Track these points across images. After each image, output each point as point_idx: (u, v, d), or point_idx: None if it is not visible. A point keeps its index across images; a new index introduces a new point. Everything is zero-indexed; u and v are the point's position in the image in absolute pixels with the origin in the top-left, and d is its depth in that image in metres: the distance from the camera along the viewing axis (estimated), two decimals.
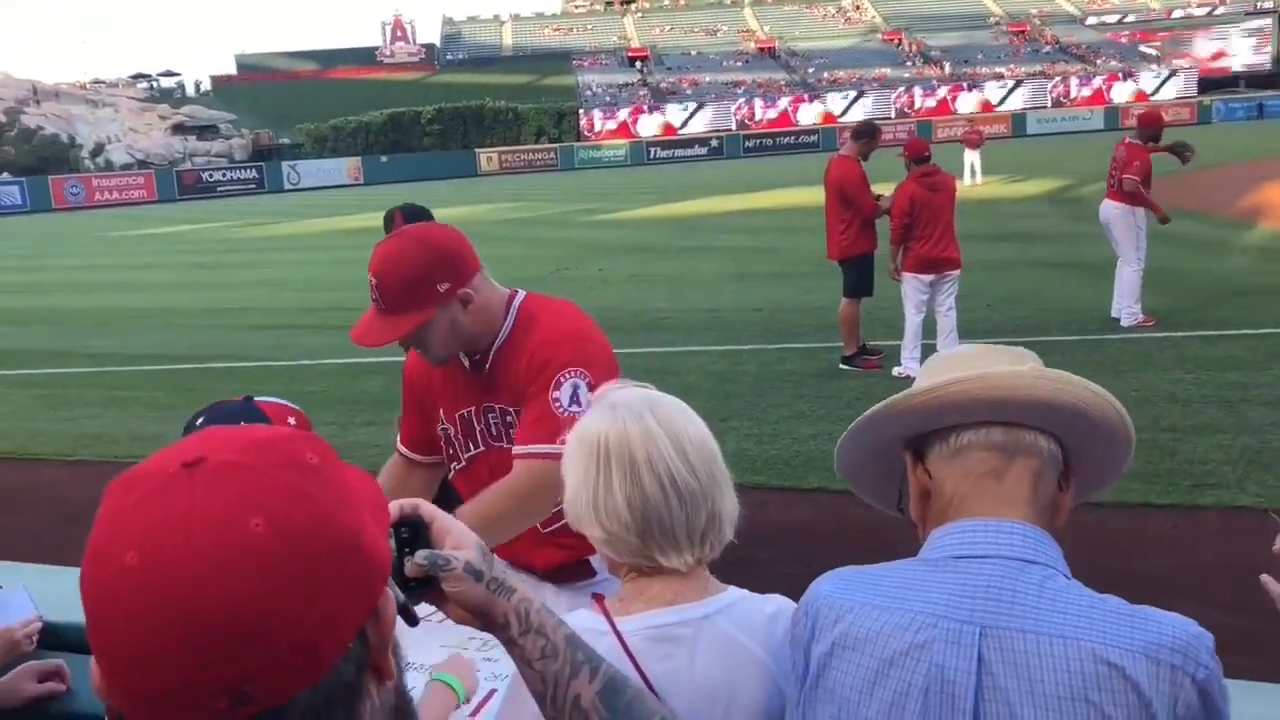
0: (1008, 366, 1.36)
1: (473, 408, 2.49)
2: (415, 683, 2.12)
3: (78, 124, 62.67)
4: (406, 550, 1.22)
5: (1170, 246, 14.38)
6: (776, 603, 1.55)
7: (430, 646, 2.18)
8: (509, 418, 2.45)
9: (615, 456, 1.45)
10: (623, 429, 1.47)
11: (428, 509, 1.26)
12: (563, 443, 2.26)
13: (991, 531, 1.29)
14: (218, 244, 25.55)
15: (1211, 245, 14.49)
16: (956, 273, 8.37)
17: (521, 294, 2.53)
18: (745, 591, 1.55)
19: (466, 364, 2.50)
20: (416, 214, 4.98)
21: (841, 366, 8.73)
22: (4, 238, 32.23)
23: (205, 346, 11.60)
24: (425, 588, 1.22)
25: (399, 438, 2.75)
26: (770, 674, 1.47)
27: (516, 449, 2.35)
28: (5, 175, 52.16)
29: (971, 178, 25.92)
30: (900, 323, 8.50)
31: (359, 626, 0.76)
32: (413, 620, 1.04)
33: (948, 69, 73.38)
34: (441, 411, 2.56)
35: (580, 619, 1.48)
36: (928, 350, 8.27)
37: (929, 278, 8.32)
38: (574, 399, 2.31)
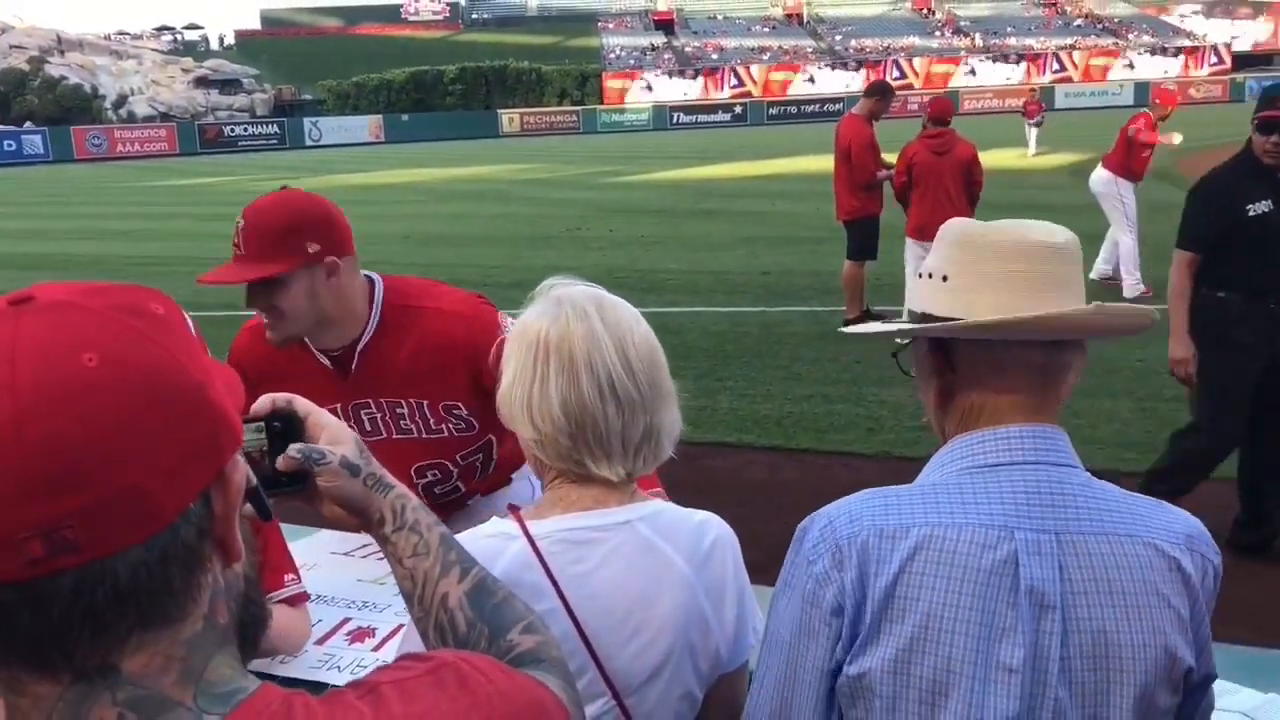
0: (1054, 292, 1.29)
1: (338, 405, 2.31)
2: (323, 616, 2.05)
3: (101, 75, 62.75)
4: (279, 444, 1.18)
5: None
6: (704, 515, 1.49)
7: (347, 580, 2.10)
8: (399, 409, 2.35)
9: (555, 354, 1.38)
10: (565, 326, 1.39)
11: (302, 403, 1.22)
12: None
13: (1029, 438, 1.29)
14: (235, 196, 25.49)
15: None
16: None
17: (379, 280, 2.38)
18: (672, 504, 1.49)
19: (326, 361, 2.34)
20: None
21: (843, 330, 8.59)
22: (25, 186, 32.34)
23: (209, 295, 11.49)
24: (298, 484, 1.18)
25: None
26: (690, 584, 1.41)
27: None
28: (28, 124, 52.35)
29: (1031, 147, 25.49)
30: (904, 289, 8.35)
31: (203, 486, 0.70)
32: (266, 513, 0.97)
33: (978, 40, 72.39)
34: None
35: (491, 525, 1.42)
36: None
37: (927, 244, 8.07)
38: None
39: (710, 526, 1.47)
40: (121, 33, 79.66)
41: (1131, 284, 9.45)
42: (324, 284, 2.21)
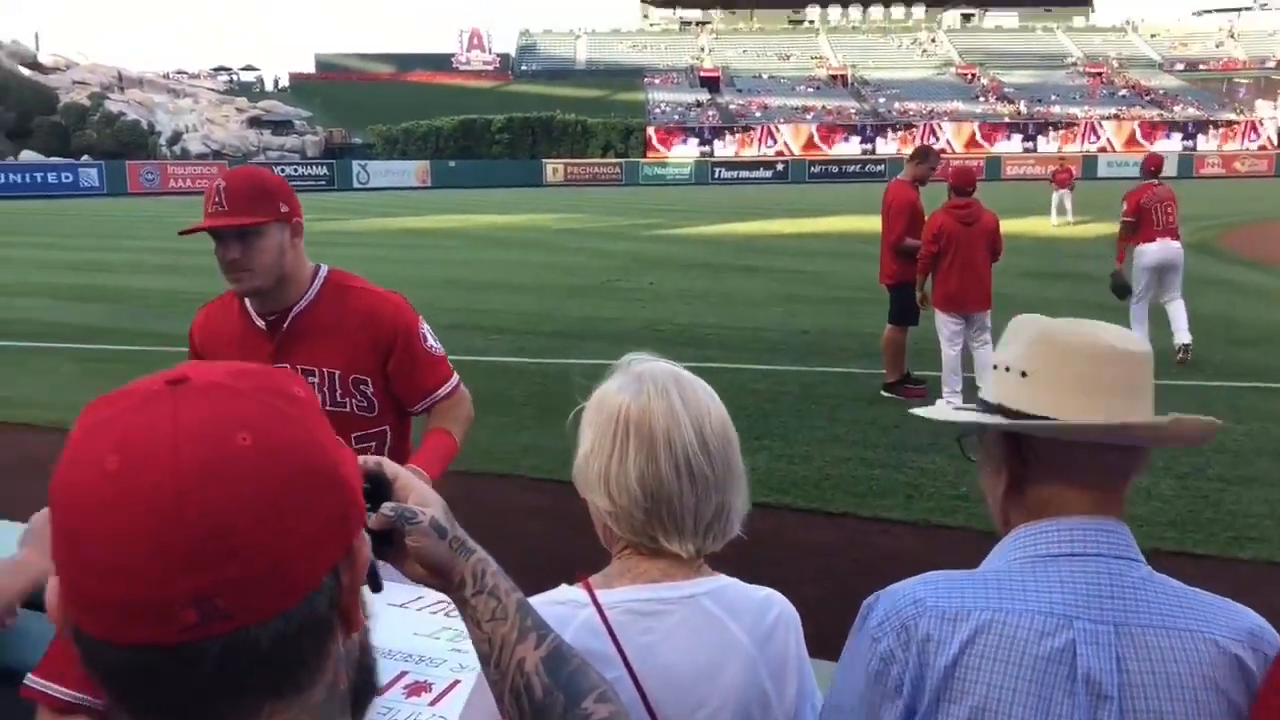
0: (1133, 399, 1.35)
1: None
2: (380, 668, 2.07)
3: (158, 112, 64.23)
4: (369, 506, 1.19)
5: (1237, 296, 14.02)
6: (766, 591, 1.52)
7: (404, 633, 2.14)
8: (311, 377, 2.60)
9: (635, 430, 1.42)
10: (646, 402, 1.43)
11: (391, 466, 1.25)
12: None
13: (1092, 530, 1.33)
14: None
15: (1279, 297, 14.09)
16: (988, 312, 8.16)
17: (325, 267, 2.73)
18: (737, 580, 1.52)
19: (261, 324, 2.66)
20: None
21: (883, 394, 8.60)
22: (79, 218, 33.07)
23: None
24: (385, 545, 1.20)
25: None
26: (751, 659, 1.44)
27: (441, 390, 2.76)
28: (85, 158, 53.57)
29: (1060, 216, 25.86)
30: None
31: (335, 561, 0.76)
32: (377, 585, 1.01)
33: (1022, 107, 72.53)
34: None
35: (560, 592, 1.46)
36: (968, 383, 8.04)
37: (956, 314, 8.17)
38: (434, 338, 2.78)
39: (773, 603, 1.50)
40: (180, 71, 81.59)
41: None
42: (290, 242, 2.57)
